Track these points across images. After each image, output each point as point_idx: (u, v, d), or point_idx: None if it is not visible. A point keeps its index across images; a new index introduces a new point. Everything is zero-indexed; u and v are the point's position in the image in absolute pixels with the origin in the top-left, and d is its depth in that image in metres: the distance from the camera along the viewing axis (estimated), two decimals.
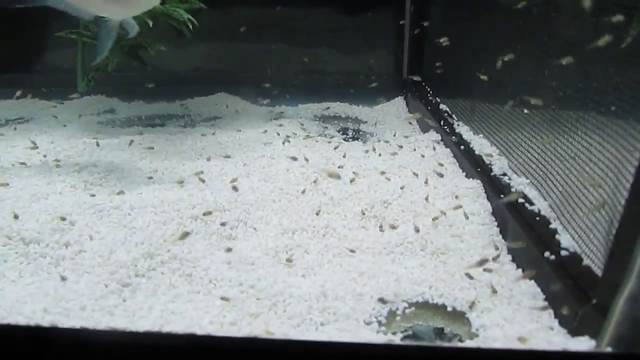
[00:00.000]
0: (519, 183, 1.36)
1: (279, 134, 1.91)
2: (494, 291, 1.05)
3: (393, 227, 1.29)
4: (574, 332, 0.92)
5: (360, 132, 2.19)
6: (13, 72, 2.56)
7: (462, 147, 1.69)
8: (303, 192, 1.41)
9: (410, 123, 2.28)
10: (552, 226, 1.16)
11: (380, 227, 1.29)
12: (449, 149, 1.79)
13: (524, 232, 1.17)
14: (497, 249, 1.19)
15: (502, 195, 1.32)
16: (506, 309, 1.03)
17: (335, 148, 1.75)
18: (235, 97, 2.55)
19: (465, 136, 1.77)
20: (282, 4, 2.60)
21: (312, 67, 2.65)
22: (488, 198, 1.41)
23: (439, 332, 1.03)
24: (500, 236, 1.28)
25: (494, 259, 1.17)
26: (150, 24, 1.69)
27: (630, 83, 1.03)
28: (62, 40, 2.20)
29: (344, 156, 1.69)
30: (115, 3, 1.27)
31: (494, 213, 1.36)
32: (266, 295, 1.03)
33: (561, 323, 0.96)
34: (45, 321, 0.89)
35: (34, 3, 1.39)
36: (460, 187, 1.46)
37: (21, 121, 2.24)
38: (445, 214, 1.34)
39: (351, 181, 1.49)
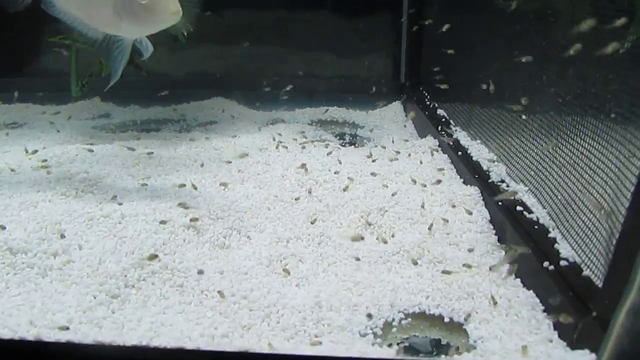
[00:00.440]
0: (518, 190, 1.34)
1: (274, 139, 1.89)
2: (493, 302, 1.03)
3: (390, 235, 1.27)
4: (574, 344, 0.89)
5: (358, 137, 2.17)
6: (6, 76, 2.54)
7: (459, 153, 1.67)
8: (298, 199, 1.39)
9: (405, 126, 2.26)
10: (551, 235, 1.14)
11: (376, 235, 1.27)
12: (446, 155, 1.77)
13: (523, 240, 1.15)
14: (496, 266, 1.17)
15: (497, 196, 1.30)
16: (504, 320, 1.01)
17: (330, 154, 1.72)
18: (231, 102, 2.53)
19: (463, 142, 1.75)
20: (278, 8, 2.59)
21: (309, 72, 2.63)
22: (486, 205, 1.39)
23: (436, 344, 1.01)
24: (498, 244, 1.25)
25: (492, 268, 1.14)
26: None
27: (629, 89, 1.02)
28: (56, 45, 2.18)
29: (340, 162, 1.66)
30: (132, 22, 1.20)
31: (491, 221, 1.34)
32: (259, 306, 1.01)
33: (561, 335, 0.93)
34: (30, 335, 0.86)
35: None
36: (458, 194, 1.44)
37: (14, 126, 2.22)
38: (442, 221, 1.32)
39: (347, 188, 1.47)
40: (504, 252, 1.10)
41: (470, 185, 1.49)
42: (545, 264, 1.05)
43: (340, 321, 0.98)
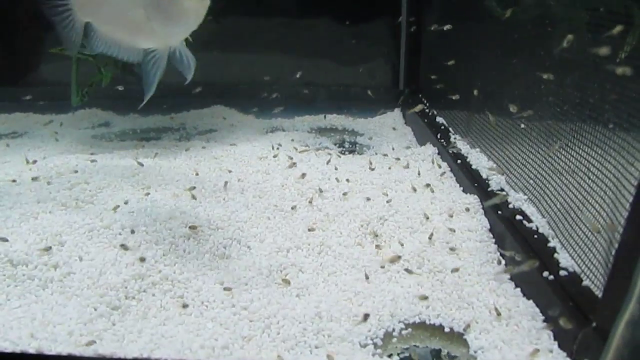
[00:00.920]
0: (517, 199, 1.34)
1: (274, 148, 1.89)
2: (497, 313, 1.03)
3: (389, 245, 1.27)
4: (574, 355, 0.90)
5: (357, 145, 2.17)
6: (5, 85, 2.54)
7: (459, 161, 1.68)
8: (298, 208, 1.39)
9: (405, 133, 2.27)
10: (551, 244, 1.14)
11: (377, 244, 1.27)
12: (445, 163, 1.78)
13: (523, 250, 1.15)
14: (496, 275, 1.17)
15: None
16: (505, 330, 1.01)
17: (329, 162, 1.73)
18: (231, 110, 2.54)
19: (462, 150, 1.75)
20: (277, 17, 2.60)
21: (308, 79, 2.64)
22: (485, 214, 1.39)
23: (437, 355, 1.01)
24: (498, 253, 1.26)
25: (492, 279, 1.15)
26: None
27: (628, 96, 1.02)
28: (56, 54, 2.19)
29: (340, 170, 1.67)
30: (162, 20, 1.09)
31: (491, 229, 1.34)
32: (259, 317, 1.01)
33: (561, 346, 0.94)
34: (31, 347, 0.87)
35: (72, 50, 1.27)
36: (457, 203, 1.44)
37: (14, 136, 2.22)
38: (442, 230, 1.32)
39: (347, 196, 1.47)
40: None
41: (470, 194, 1.50)
42: (545, 273, 1.06)
43: (341, 332, 0.98)
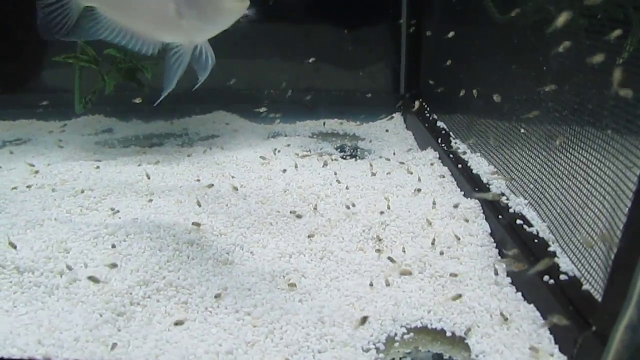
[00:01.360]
0: (517, 204, 1.35)
1: (276, 154, 1.91)
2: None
3: (391, 250, 1.29)
4: (574, 359, 0.90)
5: (358, 149, 2.19)
6: (10, 92, 2.57)
7: (459, 165, 1.69)
8: (300, 214, 1.40)
9: (406, 138, 2.28)
10: (551, 249, 1.15)
11: (378, 249, 1.28)
12: (446, 167, 1.79)
13: (523, 254, 1.16)
14: (495, 272, 1.18)
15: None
16: (506, 334, 1.02)
17: (331, 168, 1.74)
18: (233, 115, 2.55)
19: (462, 154, 1.76)
20: (279, 22, 2.62)
21: (309, 84, 2.66)
22: (486, 219, 1.40)
23: (439, 359, 1.02)
24: (499, 257, 1.26)
25: (494, 283, 1.15)
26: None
27: (627, 100, 1.03)
28: (56, 62, 2.21)
29: (341, 175, 1.68)
30: (195, 18, 1.04)
31: (492, 234, 1.35)
32: (263, 322, 1.02)
33: (561, 349, 0.94)
34: (38, 354, 0.88)
35: (87, 37, 1.17)
36: (459, 207, 1.45)
37: (18, 142, 2.24)
38: (443, 235, 1.33)
39: (348, 201, 1.48)
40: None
41: (471, 198, 1.51)
42: (545, 278, 1.07)
43: (343, 337, 0.99)
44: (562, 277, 1.06)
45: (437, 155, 1.91)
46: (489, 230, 1.36)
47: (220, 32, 1.10)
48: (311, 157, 1.93)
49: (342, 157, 2.02)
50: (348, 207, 1.45)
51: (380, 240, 1.31)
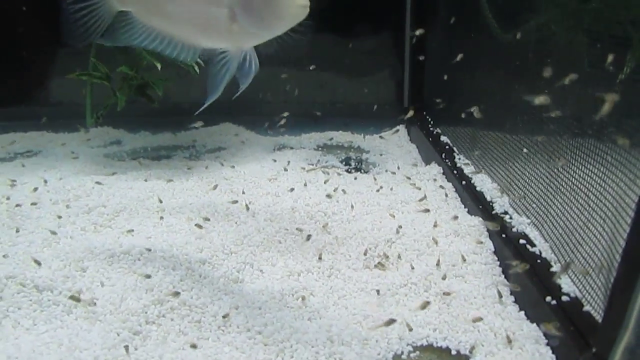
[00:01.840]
0: (520, 222, 1.38)
1: (284, 169, 1.94)
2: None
3: (397, 268, 1.32)
4: None
5: (363, 162, 2.22)
6: (21, 104, 2.61)
7: (463, 182, 1.72)
8: (308, 231, 1.43)
9: (410, 151, 2.32)
10: (553, 269, 1.18)
11: (384, 267, 1.32)
12: (450, 183, 1.82)
13: (526, 274, 1.19)
14: (499, 293, 1.21)
15: (503, 235, 1.35)
16: (509, 352, 1.05)
17: (336, 186, 1.77)
18: (239, 127, 2.59)
19: (466, 171, 1.80)
20: (283, 35, 2.66)
21: (314, 96, 2.70)
22: (490, 237, 1.43)
23: None
24: (503, 276, 1.30)
25: (498, 302, 1.19)
26: (159, 66, 1.74)
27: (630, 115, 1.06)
28: (66, 74, 2.25)
29: (347, 192, 1.72)
30: (250, 23, 0.98)
31: (495, 252, 1.38)
32: (274, 341, 1.05)
33: None
34: None
35: (119, 43, 1.08)
36: (463, 225, 1.48)
37: (30, 154, 2.29)
38: (447, 252, 1.36)
39: (354, 219, 1.52)
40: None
41: (474, 216, 1.54)
42: (548, 298, 1.10)
43: (352, 355, 1.03)
44: (564, 298, 1.09)
45: (441, 171, 1.95)
46: (493, 249, 1.39)
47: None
48: (317, 172, 1.96)
49: (347, 171, 2.06)
50: (354, 224, 1.48)
51: (386, 258, 1.35)
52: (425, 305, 1.17)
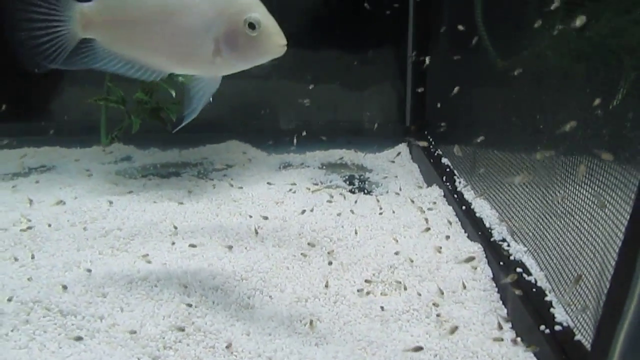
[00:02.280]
0: (517, 251, 1.45)
1: (290, 190, 2.01)
2: None
3: (399, 294, 1.39)
4: None
5: (366, 182, 2.29)
6: (35, 120, 2.69)
7: (463, 207, 1.79)
8: (314, 257, 1.50)
9: (411, 170, 2.39)
10: (548, 298, 1.25)
11: (387, 293, 1.38)
12: (451, 207, 1.89)
13: (522, 302, 1.26)
14: (498, 320, 1.28)
15: (501, 263, 1.41)
16: None
17: (341, 212, 1.83)
18: (246, 145, 2.67)
19: (466, 195, 1.87)
20: (287, 54, 2.74)
21: (318, 115, 2.78)
22: (489, 263, 1.50)
23: None
24: (501, 302, 1.36)
25: (496, 329, 1.25)
26: (174, 94, 1.82)
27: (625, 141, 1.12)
28: (79, 90, 2.32)
29: (351, 215, 1.79)
30: (233, 57, 1.06)
31: (494, 278, 1.45)
32: None
33: None
34: None
35: (79, 67, 1.12)
36: (463, 251, 1.55)
37: (43, 170, 2.36)
38: (448, 279, 1.43)
39: (359, 244, 1.59)
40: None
41: (474, 242, 1.61)
42: (542, 327, 1.16)
43: None
44: (557, 327, 1.16)
45: (442, 193, 2.02)
46: (491, 275, 1.46)
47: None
48: (322, 192, 2.04)
49: (351, 191, 2.13)
50: (359, 249, 1.55)
51: (389, 284, 1.41)
52: (426, 332, 1.24)
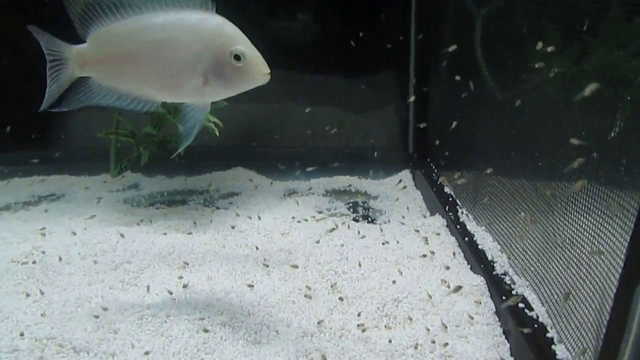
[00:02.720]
0: (519, 285, 1.48)
1: (295, 220, 2.05)
2: None
3: (404, 327, 1.41)
4: None
5: (370, 210, 2.33)
6: (43, 149, 2.75)
7: (466, 238, 1.82)
8: (319, 291, 1.53)
9: (415, 198, 2.43)
10: (549, 335, 1.27)
11: (391, 327, 1.41)
12: (454, 238, 1.92)
13: (524, 339, 1.28)
14: (500, 356, 1.30)
15: (504, 298, 1.44)
16: None
17: (346, 236, 1.87)
18: (251, 172, 2.72)
19: (468, 226, 1.90)
20: (290, 80, 2.80)
21: (321, 142, 2.83)
22: (491, 296, 1.52)
23: None
24: (503, 337, 1.38)
25: None
26: (181, 128, 1.87)
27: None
28: (86, 117, 2.36)
29: (356, 246, 1.82)
30: (220, 85, 1.14)
31: (497, 312, 1.47)
32: None
33: None
34: None
35: (76, 106, 1.18)
36: (466, 284, 1.57)
37: (52, 198, 2.41)
38: (452, 312, 1.45)
39: (363, 276, 1.62)
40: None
41: (477, 274, 1.63)
42: None
43: None
44: None
45: (445, 223, 2.05)
46: (494, 309, 1.48)
47: None
48: (326, 221, 2.07)
49: (354, 219, 2.17)
50: (363, 282, 1.58)
51: (393, 318, 1.44)
52: None
